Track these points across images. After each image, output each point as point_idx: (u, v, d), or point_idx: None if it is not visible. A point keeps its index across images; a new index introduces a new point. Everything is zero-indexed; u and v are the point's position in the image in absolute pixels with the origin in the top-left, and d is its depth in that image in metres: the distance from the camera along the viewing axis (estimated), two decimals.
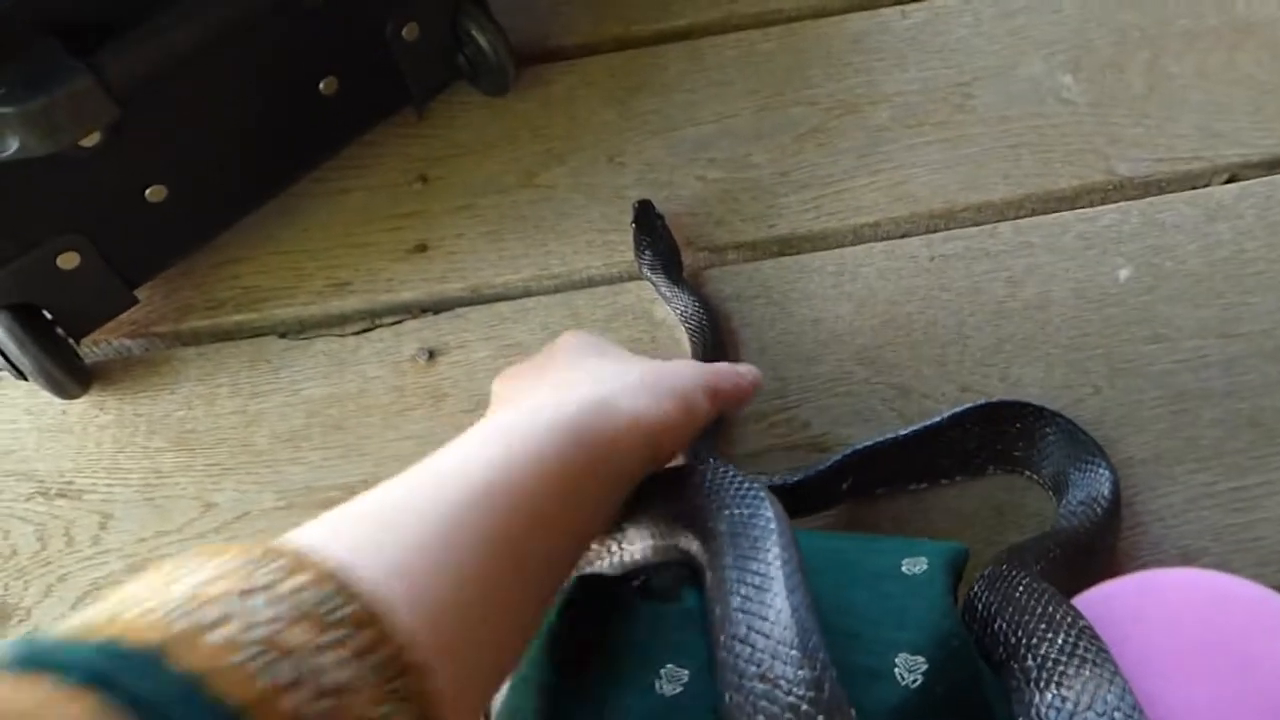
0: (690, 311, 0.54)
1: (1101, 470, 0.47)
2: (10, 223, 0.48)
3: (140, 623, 0.22)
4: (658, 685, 0.30)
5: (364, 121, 0.60)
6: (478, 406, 0.54)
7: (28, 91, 0.42)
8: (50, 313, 0.52)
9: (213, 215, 0.56)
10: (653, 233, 0.56)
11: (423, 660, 0.24)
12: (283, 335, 0.57)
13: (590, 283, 0.58)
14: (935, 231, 0.58)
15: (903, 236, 0.58)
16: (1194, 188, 0.59)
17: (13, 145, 0.43)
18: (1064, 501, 0.47)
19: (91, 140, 0.45)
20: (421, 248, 0.59)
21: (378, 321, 0.57)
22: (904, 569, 0.34)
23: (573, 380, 0.38)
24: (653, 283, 0.56)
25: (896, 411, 0.52)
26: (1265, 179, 0.59)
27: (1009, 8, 0.66)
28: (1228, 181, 0.59)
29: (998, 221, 0.58)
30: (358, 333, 0.57)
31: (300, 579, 0.23)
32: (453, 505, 0.28)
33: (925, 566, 0.34)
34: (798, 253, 0.58)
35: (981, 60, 0.64)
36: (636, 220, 0.56)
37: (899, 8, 0.67)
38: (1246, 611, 0.37)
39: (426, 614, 0.25)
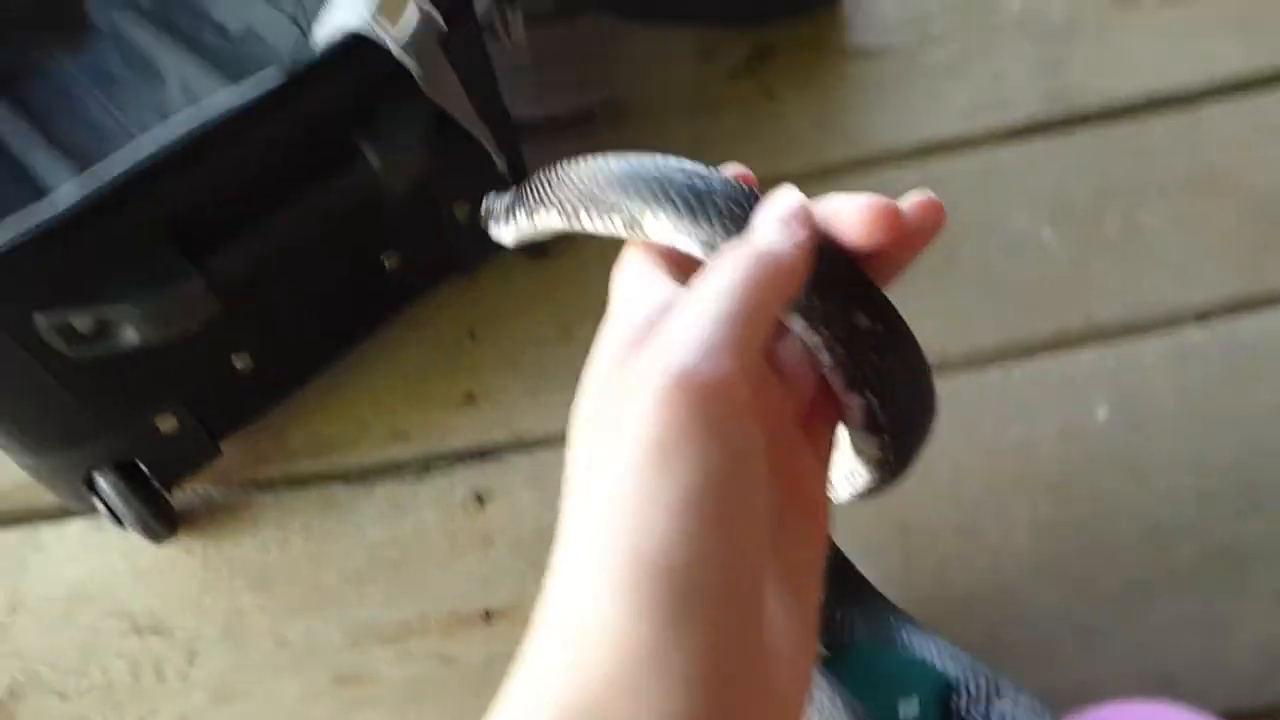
0: None
1: None
2: (122, 396, 0.55)
3: None
4: None
5: (421, 287, 0.68)
6: (521, 547, 0.60)
7: (147, 293, 0.49)
8: (146, 466, 0.60)
9: (289, 377, 0.64)
10: None
11: None
12: (348, 482, 0.64)
13: None
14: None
15: None
16: (1165, 329, 0.65)
17: (132, 338, 0.50)
18: None
19: (188, 331, 0.53)
20: (470, 398, 0.66)
21: (432, 468, 0.64)
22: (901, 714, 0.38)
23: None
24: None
25: (899, 547, 0.57)
26: (1229, 322, 0.65)
27: (995, 163, 0.74)
28: (1197, 319, 0.65)
29: (985, 366, 0.64)
30: (415, 479, 0.64)
31: None
32: None
33: (916, 712, 0.39)
34: None
35: (971, 215, 0.71)
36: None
37: (895, 167, 0.74)
38: None
39: None
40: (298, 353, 0.63)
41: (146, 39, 0.88)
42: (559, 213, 0.34)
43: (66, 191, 0.50)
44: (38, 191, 0.79)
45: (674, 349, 0.24)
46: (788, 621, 0.24)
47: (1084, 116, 0.75)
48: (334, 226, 0.57)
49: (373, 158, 0.54)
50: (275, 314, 0.60)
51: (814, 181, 0.74)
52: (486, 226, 0.39)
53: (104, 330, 0.50)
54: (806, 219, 0.28)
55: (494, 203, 0.38)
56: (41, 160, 0.80)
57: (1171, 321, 0.65)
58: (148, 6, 0.93)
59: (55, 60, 0.92)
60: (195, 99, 0.82)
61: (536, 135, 0.78)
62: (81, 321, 0.50)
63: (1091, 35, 0.80)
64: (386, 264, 0.63)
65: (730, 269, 0.25)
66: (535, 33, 0.81)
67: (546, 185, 0.34)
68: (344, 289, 0.63)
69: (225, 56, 0.87)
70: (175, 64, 0.85)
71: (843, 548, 0.57)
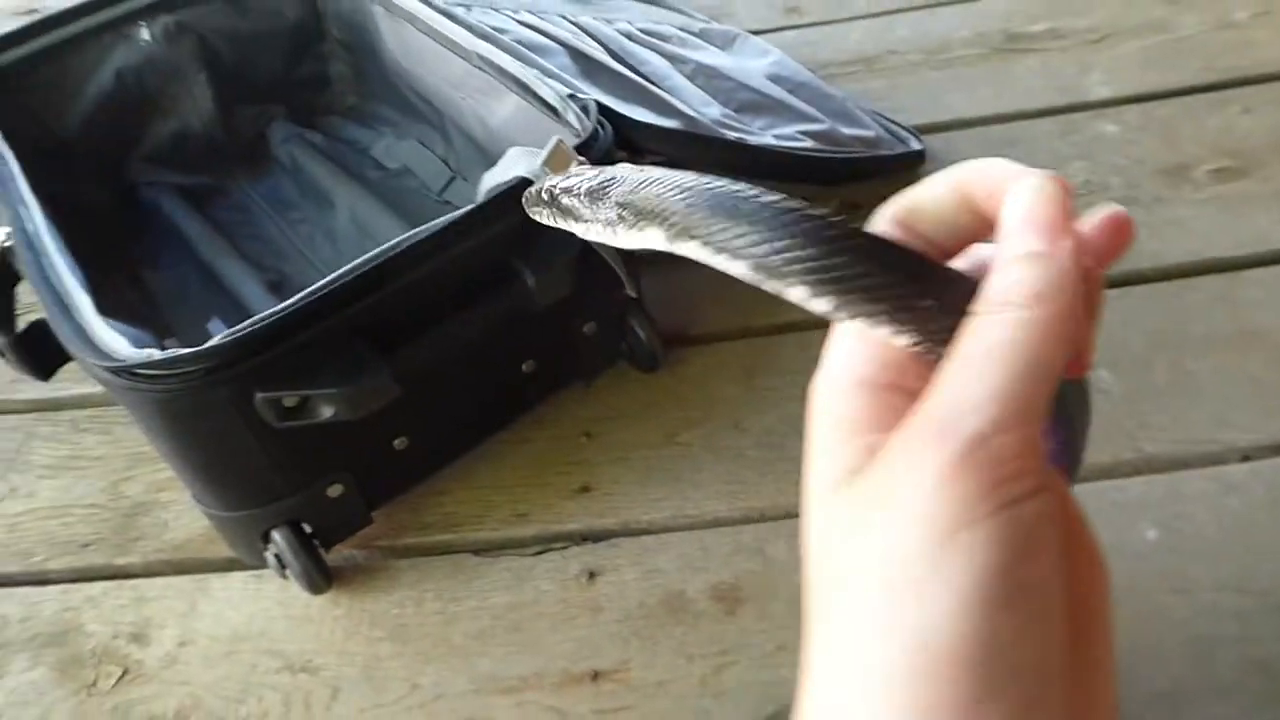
0: None
1: None
2: (306, 463, 0.66)
3: None
4: None
5: (548, 390, 0.78)
6: (626, 618, 0.68)
7: (346, 379, 0.61)
8: (310, 527, 0.70)
9: (435, 459, 0.75)
10: None
11: None
12: (476, 553, 0.74)
13: (717, 523, 0.73)
14: None
15: None
16: (1211, 465, 0.72)
17: (327, 414, 0.61)
18: None
19: (371, 410, 0.64)
20: (585, 489, 0.76)
21: (549, 546, 0.73)
22: None
23: None
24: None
25: None
26: (1272, 461, 0.72)
27: None
28: (1241, 460, 0.73)
29: None
30: (534, 554, 0.73)
31: None
32: None
33: None
34: None
35: None
36: None
37: None
38: None
39: None
40: (445, 439, 0.74)
41: (320, 171, 1.04)
42: (665, 231, 0.28)
43: (293, 299, 0.62)
44: (223, 291, 0.93)
45: (953, 418, 0.21)
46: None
47: (1139, 277, 0.85)
48: (490, 334, 0.68)
49: (529, 277, 0.66)
50: (433, 405, 0.71)
51: None
52: (533, 208, 0.34)
53: (306, 407, 0.62)
54: (1069, 229, 0.24)
55: (562, 186, 0.31)
56: (227, 267, 0.95)
57: (1215, 459, 0.73)
58: (320, 145, 1.09)
59: (240, 186, 1.08)
60: (361, 224, 0.96)
61: (652, 266, 0.90)
62: (290, 399, 0.61)
63: (1146, 205, 0.90)
64: (525, 369, 0.74)
65: (1004, 322, 0.22)
66: None
67: (654, 194, 0.28)
68: (489, 388, 0.74)
69: (384, 188, 1.02)
70: (344, 194, 0.99)
71: None
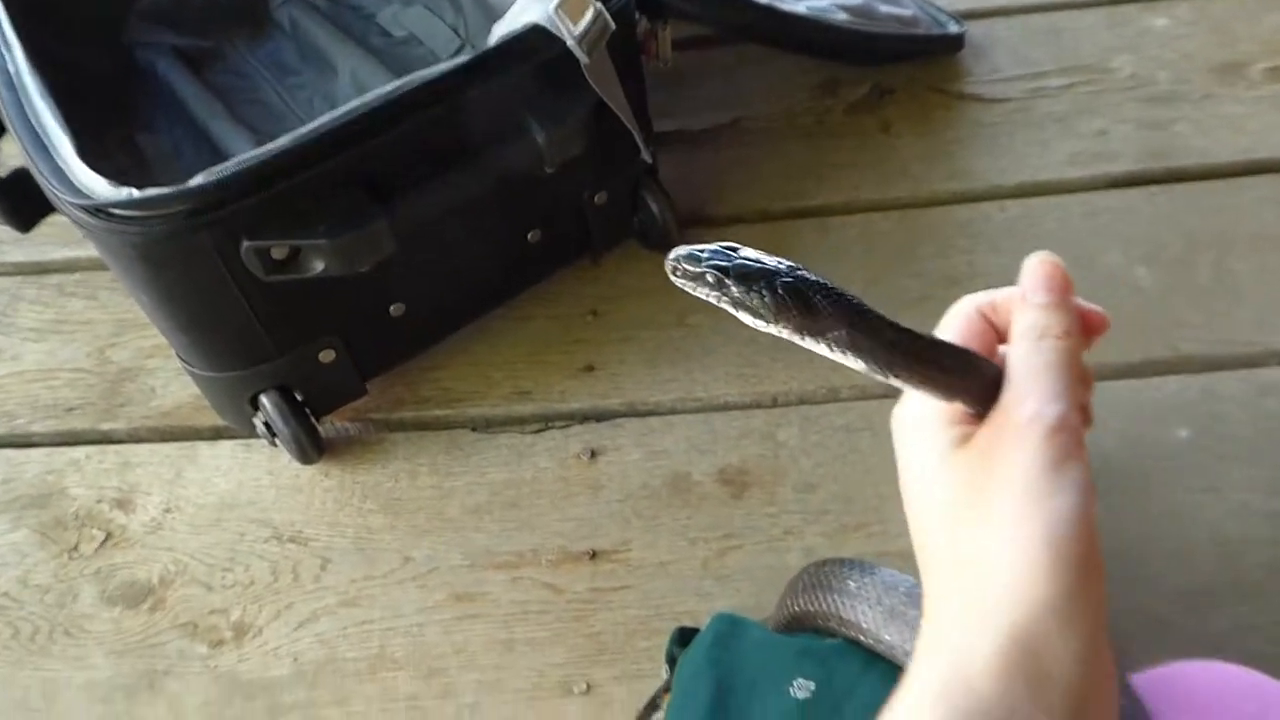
0: None
1: None
2: (295, 322, 0.63)
3: None
4: (791, 690, 0.40)
5: (555, 264, 0.75)
6: (628, 498, 0.66)
7: (340, 229, 0.57)
8: (302, 394, 0.67)
9: (433, 330, 0.71)
10: None
11: None
12: (473, 429, 0.71)
13: (726, 407, 0.70)
14: None
15: None
16: (1248, 367, 0.69)
17: (318, 267, 0.58)
18: None
19: (366, 267, 0.60)
20: (590, 368, 0.72)
21: (550, 424, 0.70)
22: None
23: None
24: None
25: None
26: None
27: (1093, 208, 0.78)
28: (1278, 361, 0.69)
29: None
30: (534, 432, 0.70)
31: None
32: None
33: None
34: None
35: (1065, 250, 0.75)
36: None
37: (998, 202, 0.79)
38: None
39: None
40: (444, 308, 0.71)
41: (321, 35, 0.98)
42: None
43: (282, 139, 0.58)
44: (218, 155, 0.89)
45: (1040, 408, 0.29)
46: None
47: (1182, 174, 0.80)
48: (495, 194, 0.64)
49: (539, 133, 0.61)
50: (432, 270, 0.67)
51: (919, 209, 0.80)
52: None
53: (296, 259, 0.58)
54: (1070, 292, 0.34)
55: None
56: (223, 128, 0.90)
57: (1254, 362, 0.69)
58: (323, 7, 1.03)
59: (238, 50, 1.03)
60: (363, 89, 0.91)
61: (669, 145, 0.86)
62: (279, 250, 0.58)
63: (1195, 102, 0.85)
64: (530, 238, 0.70)
65: (1053, 347, 0.31)
66: (677, 54, 0.89)
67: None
68: (492, 256, 0.70)
69: (389, 56, 0.96)
70: (347, 59, 0.94)
71: None
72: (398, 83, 0.58)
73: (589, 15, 0.59)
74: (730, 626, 0.43)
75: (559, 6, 0.59)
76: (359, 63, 0.93)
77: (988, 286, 0.73)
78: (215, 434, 0.72)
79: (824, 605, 0.43)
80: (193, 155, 0.90)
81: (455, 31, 0.97)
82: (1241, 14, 0.92)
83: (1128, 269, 0.74)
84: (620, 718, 0.57)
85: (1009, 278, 0.80)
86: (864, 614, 0.41)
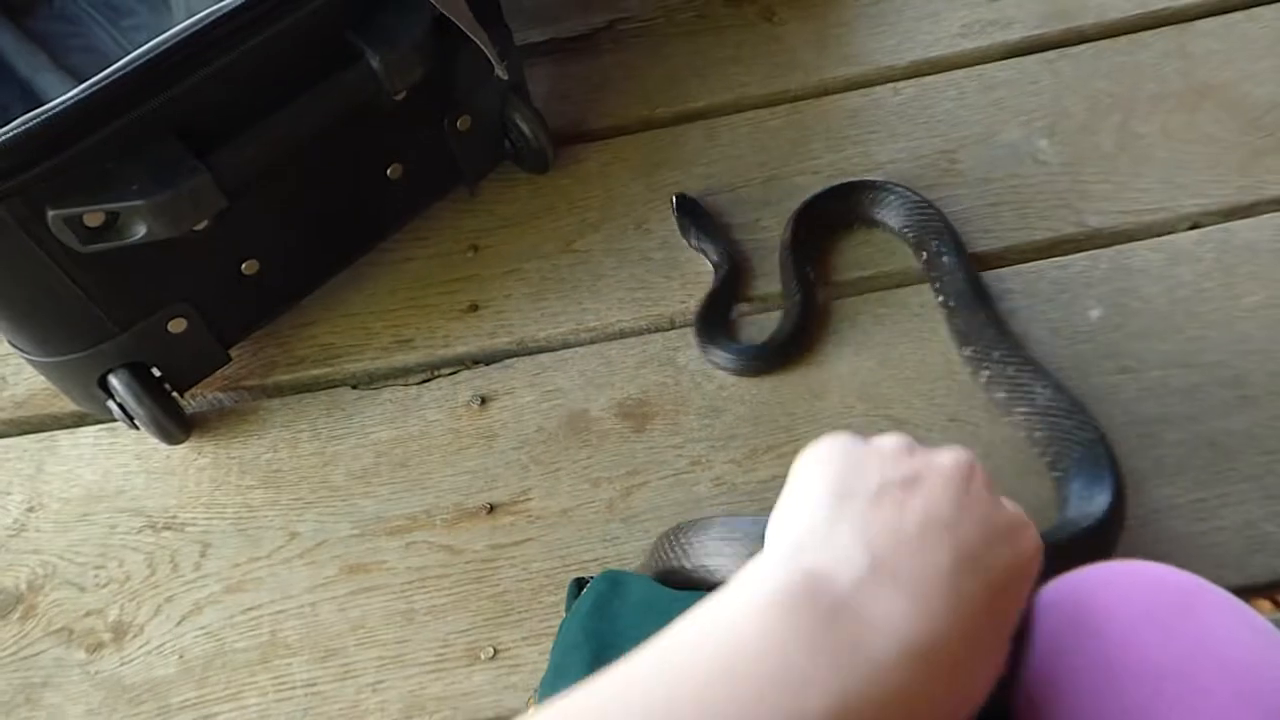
0: (721, 259, 0.66)
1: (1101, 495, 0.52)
2: (132, 294, 0.57)
3: None
4: None
5: (424, 199, 0.69)
6: (524, 444, 0.62)
7: (156, 187, 0.51)
8: (158, 369, 0.61)
9: (296, 284, 0.65)
10: (692, 213, 0.68)
11: None
12: (354, 387, 0.66)
13: (621, 334, 0.66)
14: (918, 283, 0.65)
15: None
16: (1158, 235, 0.66)
17: (140, 231, 0.52)
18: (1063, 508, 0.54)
19: (201, 224, 0.54)
20: (474, 308, 0.67)
21: (436, 373, 0.65)
22: None
23: None
24: (701, 250, 0.67)
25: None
26: (1222, 225, 0.66)
27: (990, 81, 0.74)
28: (1189, 229, 0.66)
29: (981, 271, 0.65)
30: (419, 383, 0.65)
31: None
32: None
33: None
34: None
35: (965, 129, 0.72)
36: (678, 209, 0.68)
37: (891, 85, 0.75)
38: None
39: None
40: (304, 260, 0.65)
41: None
42: None
43: (72, 92, 0.51)
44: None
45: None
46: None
47: (1080, 35, 0.76)
48: (338, 131, 0.58)
49: (372, 58, 0.55)
50: (283, 221, 0.61)
51: (812, 100, 0.75)
52: None
53: (114, 224, 0.52)
54: None
55: None
56: (49, 81, 0.81)
57: (1164, 229, 0.66)
58: None
59: None
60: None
61: (541, 55, 0.79)
62: (92, 216, 0.51)
63: None
64: (390, 174, 0.64)
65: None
66: None
67: None
68: (349, 198, 0.64)
69: None
70: None
71: None
72: (199, 15, 0.51)
73: None
74: (610, 588, 0.39)
75: None
76: None
77: (884, 176, 0.69)
78: (76, 420, 0.66)
79: (683, 560, 0.40)
80: (21, 112, 0.82)
81: None
82: None
83: (1030, 142, 0.71)
84: (532, 679, 0.54)
85: (906, 165, 0.76)
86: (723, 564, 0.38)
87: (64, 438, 0.66)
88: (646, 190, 0.72)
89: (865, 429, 0.59)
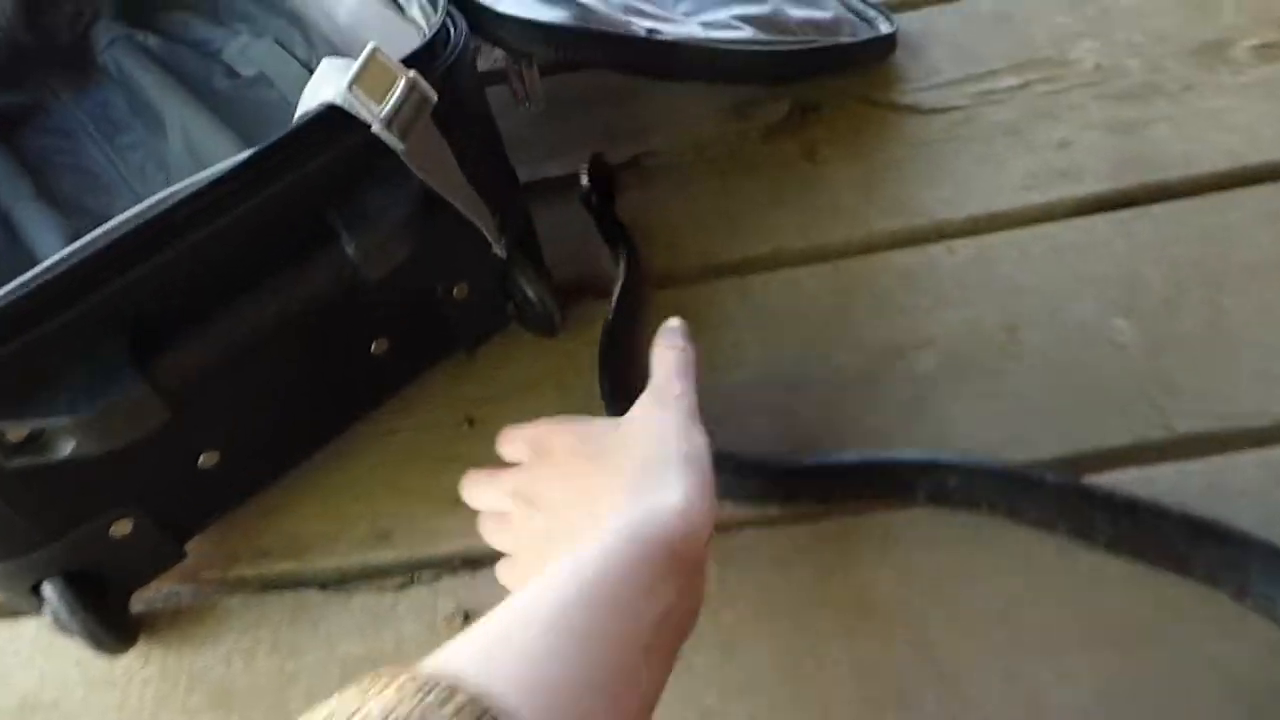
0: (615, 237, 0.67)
1: None
2: (66, 503, 0.50)
3: None
4: None
5: (414, 371, 0.62)
6: None
7: (86, 400, 0.44)
8: (101, 572, 0.54)
9: (263, 472, 0.58)
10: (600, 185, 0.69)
11: None
12: (323, 587, 0.58)
13: None
14: None
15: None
16: (1259, 445, 0.56)
17: (67, 449, 0.45)
18: None
19: (134, 439, 0.47)
20: None
21: (416, 576, 0.58)
22: None
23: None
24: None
25: None
26: None
27: (1058, 242, 0.66)
28: None
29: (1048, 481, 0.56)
30: (396, 588, 0.57)
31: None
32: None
33: None
34: (841, 514, 0.57)
35: (1029, 300, 0.63)
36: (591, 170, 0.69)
37: (945, 243, 0.67)
38: None
39: None
40: (273, 446, 0.57)
41: (150, 83, 0.84)
42: None
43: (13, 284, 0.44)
44: (16, 242, 0.75)
45: (665, 390, 0.51)
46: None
47: (1161, 190, 0.67)
48: (312, 314, 0.51)
49: (348, 243, 0.48)
50: (247, 407, 0.54)
51: (854, 257, 0.67)
52: None
53: (38, 440, 0.45)
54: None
55: None
56: (28, 212, 0.76)
57: (1267, 438, 0.57)
58: (155, 47, 0.89)
59: (62, 101, 0.88)
60: (195, 150, 0.78)
61: (554, 194, 0.72)
62: (14, 430, 0.44)
63: (1173, 96, 0.72)
64: (374, 349, 0.57)
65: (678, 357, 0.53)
66: (554, 80, 0.75)
67: None
68: (327, 377, 0.57)
69: (233, 102, 0.82)
70: (179, 112, 0.80)
71: None
72: (159, 196, 0.45)
73: (399, 90, 0.46)
74: None
75: (354, 83, 0.45)
76: (191, 117, 0.79)
77: (936, 356, 0.60)
78: (14, 611, 0.59)
79: None
80: None
81: (307, 68, 0.83)
82: None
83: (1104, 321, 0.62)
84: None
85: (961, 342, 0.64)
86: None
87: (2, 631, 0.59)
88: None
89: None
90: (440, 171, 0.49)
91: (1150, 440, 0.57)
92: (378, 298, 0.55)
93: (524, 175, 0.72)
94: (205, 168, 0.47)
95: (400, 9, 0.56)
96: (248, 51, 0.85)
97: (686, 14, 0.67)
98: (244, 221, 0.46)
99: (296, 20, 0.80)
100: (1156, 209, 0.66)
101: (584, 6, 0.59)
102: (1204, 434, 0.57)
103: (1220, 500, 0.54)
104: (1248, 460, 0.56)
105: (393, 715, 0.27)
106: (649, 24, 0.63)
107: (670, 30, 0.63)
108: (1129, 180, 0.68)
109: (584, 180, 0.69)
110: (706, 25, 0.65)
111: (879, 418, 0.59)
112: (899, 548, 0.54)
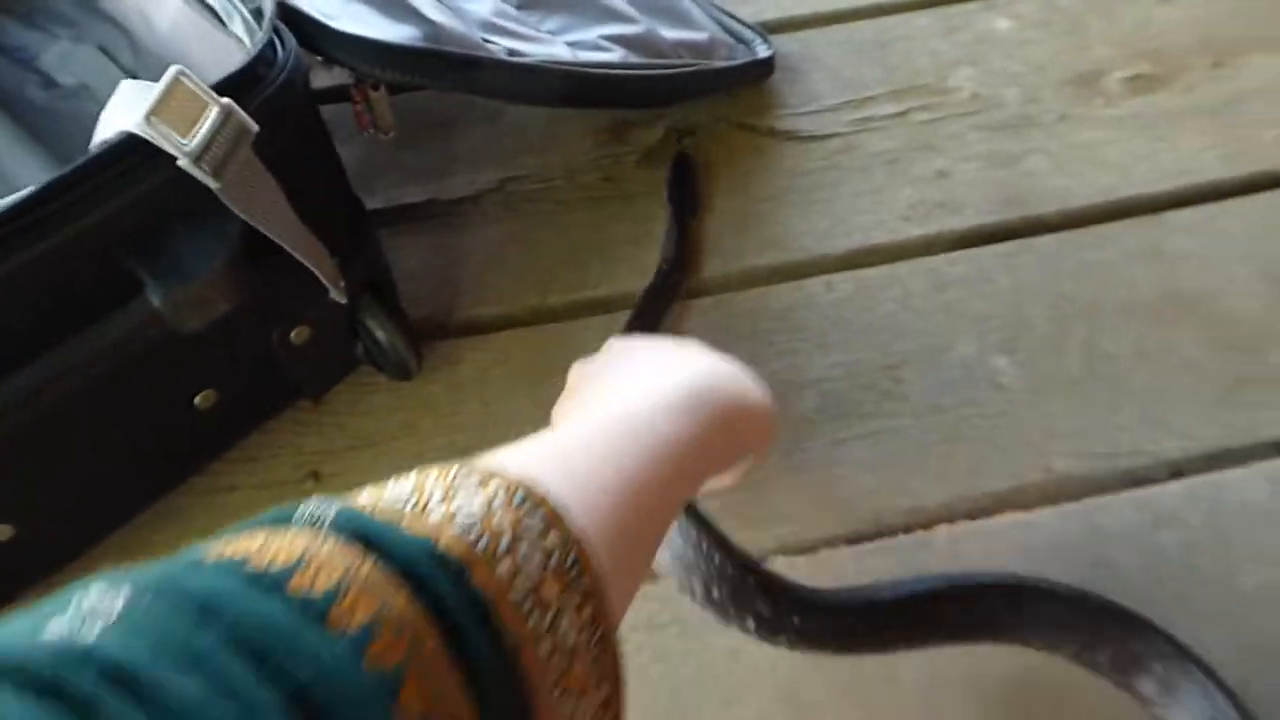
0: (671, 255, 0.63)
1: None
2: None
3: (446, 531, 0.24)
4: None
5: (250, 423, 0.56)
6: None
7: None
8: None
9: (72, 542, 0.51)
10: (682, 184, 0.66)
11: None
12: None
13: None
14: (861, 542, 0.54)
15: (827, 547, 0.54)
16: (1137, 485, 0.55)
17: None
18: None
19: None
20: None
21: None
22: None
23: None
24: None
25: None
26: (1210, 477, 0.55)
27: (940, 278, 0.64)
28: (1172, 478, 0.56)
29: (929, 527, 0.54)
30: None
31: (553, 539, 0.26)
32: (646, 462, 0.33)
33: None
34: None
35: (910, 339, 0.61)
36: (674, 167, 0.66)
37: (824, 278, 0.64)
38: None
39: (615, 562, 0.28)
40: (80, 513, 0.51)
41: None
42: None
43: None
44: None
45: None
46: None
47: (1040, 224, 0.66)
48: (118, 370, 0.45)
49: (155, 293, 0.42)
50: (45, 475, 0.47)
51: (731, 293, 0.64)
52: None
53: None
54: None
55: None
56: None
57: (1144, 477, 0.56)
58: None
59: None
60: (5, 175, 0.70)
61: (414, 222, 0.67)
62: None
63: (1048, 128, 0.71)
64: (200, 403, 0.51)
65: None
66: (410, 97, 0.70)
67: None
68: (141, 438, 0.50)
69: (48, 114, 0.74)
70: None
71: None
72: None
73: (210, 120, 0.40)
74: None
75: (153, 113, 0.39)
76: (2, 136, 0.70)
77: (816, 398, 0.57)
78: None
79: None
80: None
81: (134, 77, 0.75)
82: (1095, 8, 0.79)
83: (985, 361, 0.60)
84: None
85: (841, 384, 0.61)
86: None
87: None
88: (531, 405, 0.59)
89: None
90: (266, 210, 0.43)
91: (1030, 483, 0.55)
92: (199, 347, 0.49)
93: (377, 202, 0.67)
94: (13, 188, 0.41)
95: (222, 22, 0.50)
96: (68, 58, 0.77)
97: (553, 33, 0.63)
98: (27, 272, 0.40)
99: (122, 27, 0.73)
100: (1037, 243, 0.65)
101: (435, 24, 0.54)
102: (1083, 476, 0.55)
103: (1098, 541, 0.53)
104: (1125, 501, 0.55)
105: (499, 515, 0.25)
106: (511, 43, 0.58)
107: (534, 51, 0.58)
108: (1009, 213, 0.67)
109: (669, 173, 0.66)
110: (574, 46, 0.61)
111: (758, 470, 0.56)
112: None
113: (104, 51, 0.77)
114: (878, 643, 0.49)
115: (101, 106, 0.78)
